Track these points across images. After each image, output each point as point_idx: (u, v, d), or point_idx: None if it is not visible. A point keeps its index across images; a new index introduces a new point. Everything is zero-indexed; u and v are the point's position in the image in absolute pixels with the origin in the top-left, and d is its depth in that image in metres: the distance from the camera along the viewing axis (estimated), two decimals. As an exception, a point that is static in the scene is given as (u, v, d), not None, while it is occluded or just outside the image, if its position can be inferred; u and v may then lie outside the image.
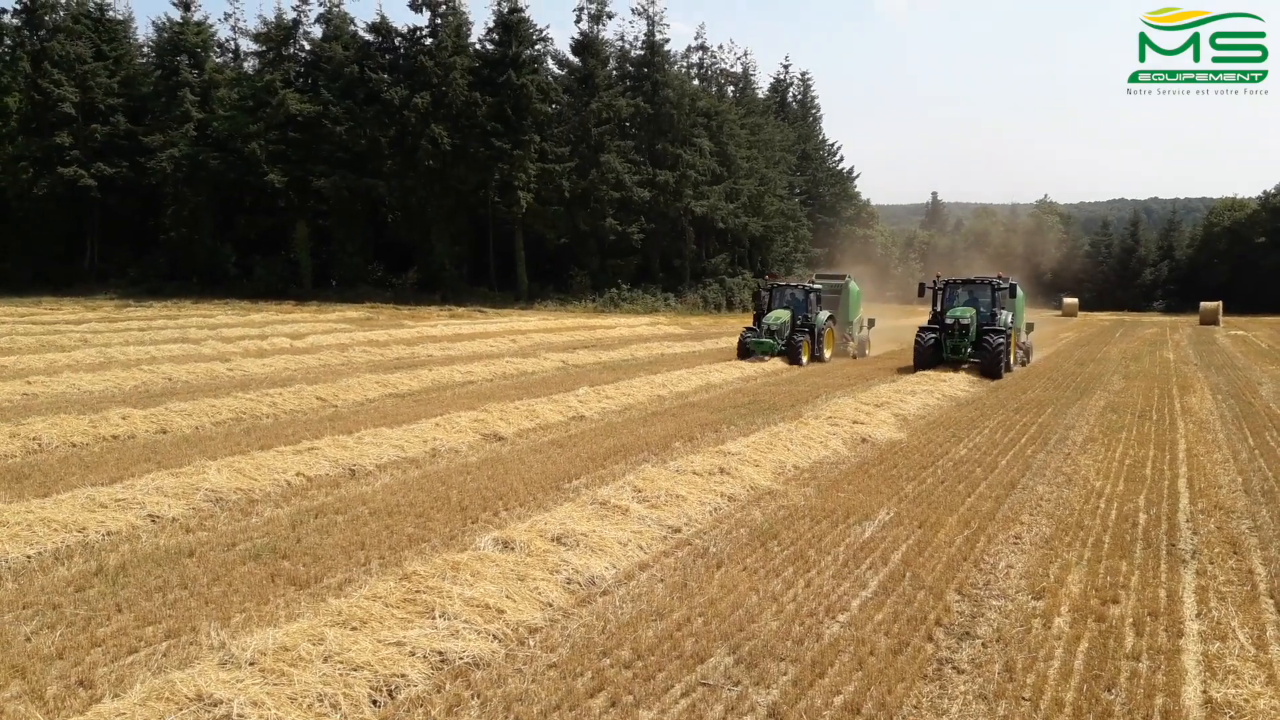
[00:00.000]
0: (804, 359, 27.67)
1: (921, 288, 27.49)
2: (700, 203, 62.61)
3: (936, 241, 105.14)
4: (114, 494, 10.90)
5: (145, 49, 64.39)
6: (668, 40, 65.92)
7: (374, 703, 6.32)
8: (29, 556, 9.12)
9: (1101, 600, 8.65)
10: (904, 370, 25.98)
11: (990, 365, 24.79)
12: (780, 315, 28.27)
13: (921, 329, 26.66)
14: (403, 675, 6.61)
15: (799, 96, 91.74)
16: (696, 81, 72.06)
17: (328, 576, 8.91)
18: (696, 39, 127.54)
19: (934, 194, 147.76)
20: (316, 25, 61.37)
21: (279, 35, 60.30)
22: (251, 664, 6.40)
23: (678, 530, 10.49)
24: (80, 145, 55.55)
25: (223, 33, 75.89)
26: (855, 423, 16.78)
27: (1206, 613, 8.43)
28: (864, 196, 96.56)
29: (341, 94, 57.33)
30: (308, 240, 59.70)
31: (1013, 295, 26.61)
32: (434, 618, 7.42)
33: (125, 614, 7.88)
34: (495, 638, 7.37)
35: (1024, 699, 6.73)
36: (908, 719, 6.45)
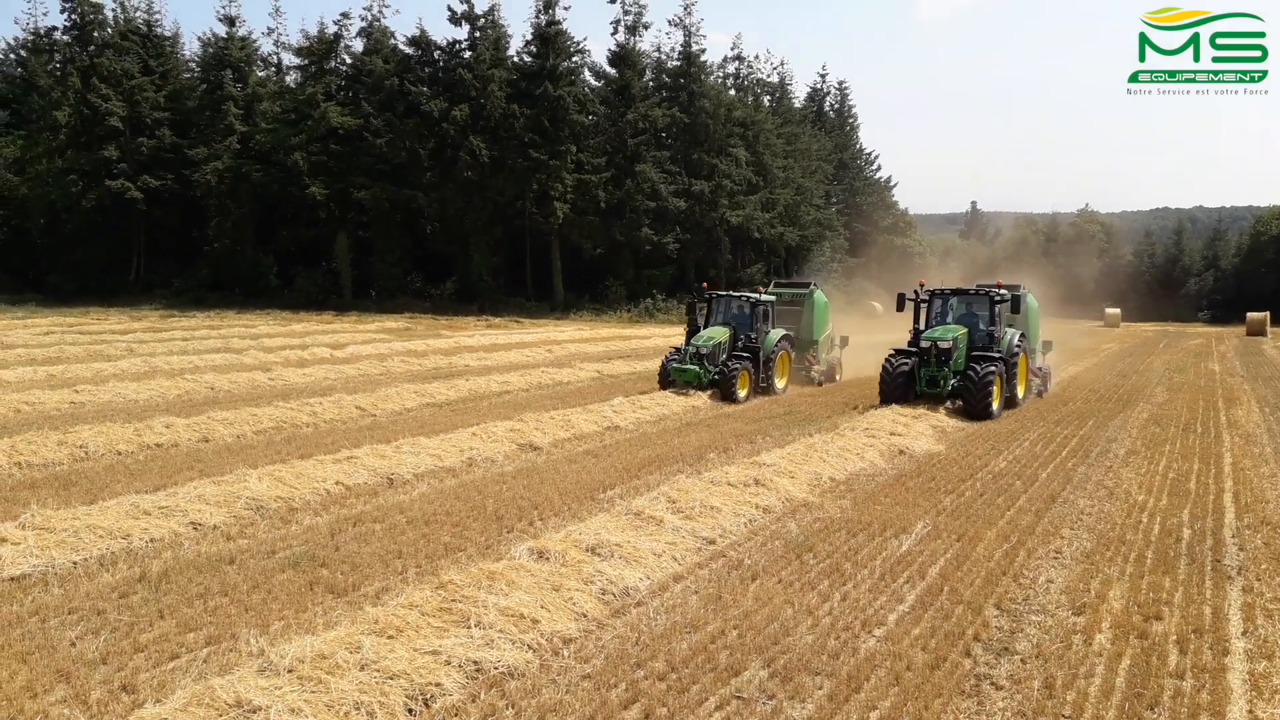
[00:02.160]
0: (741, 393, 21.44)
1: (901, 300, 21.64)
2: (736, 212, 62.55)
3: (975, 251, 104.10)
4: (157, 501, 11.10)
5: (191, 64, 65.73)
6: (704, 50, 66.01)
7: (410, 711, 6.37)
8: (75, 562, 9.31)
9: (1144, 617, 8.50)
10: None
11: (975, 402, 19.33)
12: (713, 335, 22.12)
13: (893, 353, 20.85)
14: (438, 684, 6.66)
15: (836, 105, 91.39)
16: (733, 91, 72.09)
17: (365, 585, 9.00)
18: (733, 49, 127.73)
19: (973, 203, 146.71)
20: (357, 39, 62.32)
21: (320, 49, 61.23)
22: (290, 671, 6.48)
23: (712, 542, 10.46)
24: (127, 158, 56.71)
25: (266, 47, 77.18)
26: (893, 434, 16.65)
27: (1253, 630, 8.25)
28: (902, 205, 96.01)
29: (382, 106, 58.07)
30: (348, 251, 60.43)
31: (1015, 309, 20.82)
32: (469, 627, 7.47)
33: (167, 620, 8.01)
34: (530, 648, 7.40)
35: (1064, 716, 6.63)
36: (945, 735, 6.37)
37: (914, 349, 20.60)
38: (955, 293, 22.07)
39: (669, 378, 22.08)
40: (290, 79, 65.32)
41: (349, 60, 62.55)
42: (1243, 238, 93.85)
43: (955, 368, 20.06)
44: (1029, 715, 6.64)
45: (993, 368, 19.64)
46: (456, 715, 6.40)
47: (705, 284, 26.82)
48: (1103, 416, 20.51)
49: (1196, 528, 11.59)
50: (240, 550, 9.95)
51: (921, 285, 21.68)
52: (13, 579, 8.80)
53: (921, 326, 21.35)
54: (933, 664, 7.39)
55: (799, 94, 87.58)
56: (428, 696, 6.54)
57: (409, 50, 61.78)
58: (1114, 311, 68.50)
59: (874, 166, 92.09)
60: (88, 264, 57.00)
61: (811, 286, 27.10)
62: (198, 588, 8.77)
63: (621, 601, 8.60)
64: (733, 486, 12.31)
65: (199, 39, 64.43)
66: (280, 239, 60.29)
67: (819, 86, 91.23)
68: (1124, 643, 7.93)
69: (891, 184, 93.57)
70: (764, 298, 23.48)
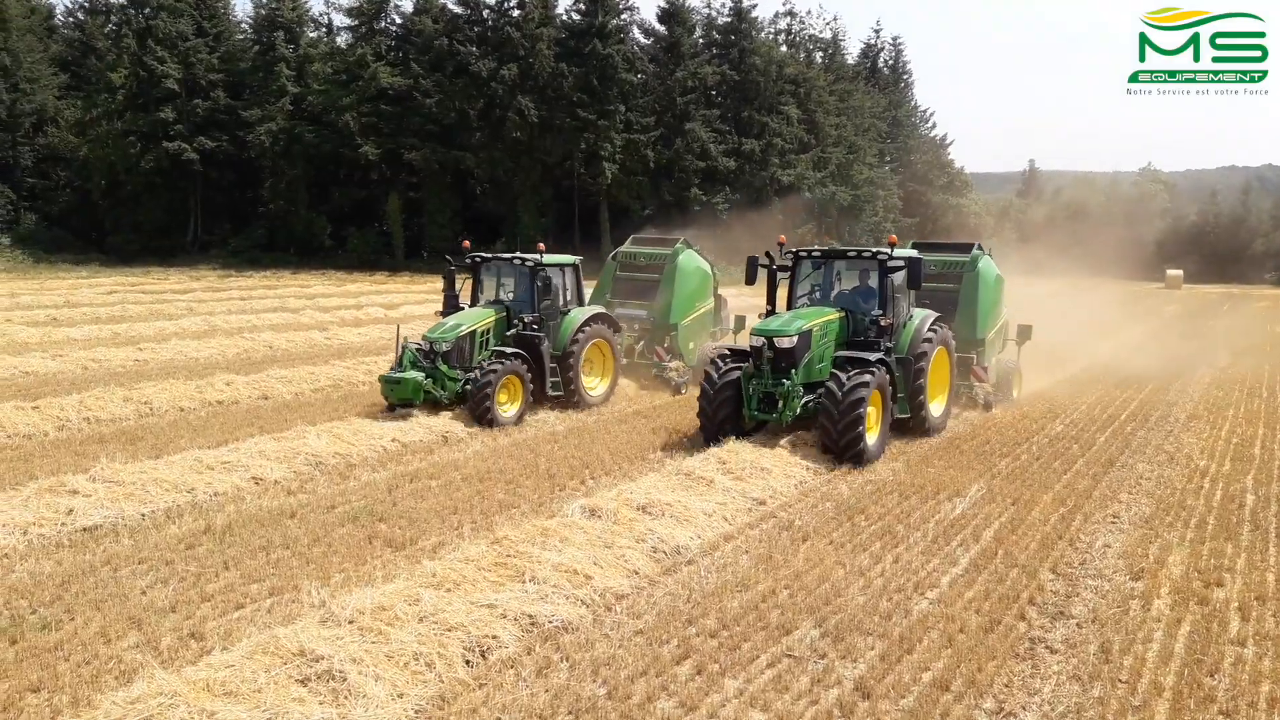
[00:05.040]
0: (507, 412, 14.41)
1: (752, 267, 14.17)
2: (787, 171, 61.79)
3: (1033, 210, 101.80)
4: (220, 456, 11.40)
5: (243, 25, 66.20)
6: (755, 6, 64.82)
7: (467, 663, 6.51)
8: (143, 514, 9.63)
9: (1205, 583, 8.36)
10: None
11: (834, 434, 12.19)
12: (460, 323, 15.00)
13: (717, 358, 13.71)
14: (494, 636, 6.79)
15: (890, 62, 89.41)
16: (784, 48, 70.82)
17: (422, 539, 9.17)
18: (785, 5, 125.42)
19: (1031, 161, 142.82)
20: (407, -1, 62.17)
21: (370, 9, 61.23)
22: (350, 622, 6.65)
23: (762, 502, 10.48)
24: (183, 120, 57.43)
25: (316, 8, 77.41)
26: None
27: (1319, 599, 8.08)
28: (958, 164, 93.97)
29: (431, 67, 58.06)
30: (400, 212, 60.84)
31: (914, 283, 13.32)
32: (524, 581, 7.59)
33: (232, 571, 8.25)
34: (583, 603, 7.50)
35: (1121, 681, 6.57)
36: (998, 697, 6.36)
37: (749, 350, 13.19)
38: (829, 255, 14.52)
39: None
40: (341, 40, 65.47)
41: (399, 20, 62.52)
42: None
43: (805, 378, 12.78)
44: (1084, 679, 6.59)
45: (865, 380, 12.23)
46: (512, 667, 6.53)
47: (465, 242, 17.77)
48: (1163, 380, 19.98)
49: (1260, 494, 11.34)
50: (300, 505, 10.19)
51: (781, 244, 14.60)
52: (85, 529, 9.13)
53: (778, 307, 14.21)
54: (986, 627, 7.36)
55: (852, 50, 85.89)
56: (484, 648, 6.68)
57: (458, 9, 61.53)
58: (1175, 273, 66.68)
59: (929, 124, 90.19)
60: (148, 225, 58.05)
61: (679, 246, 19.23)
62: (260, 540, 9.02)
63: (672, 560, 8.68)
64: (784, 448, 12.27)
65: (251, 0, 64.58)
66: (333, 200, 60.86)
67: (873, 42, 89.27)
68: (1184, 609, 7.82)
69: (947, 142, 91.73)
70: (550, 261, 15.87)
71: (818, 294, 14.39)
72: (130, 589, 7.80)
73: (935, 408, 14.36)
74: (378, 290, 43.36)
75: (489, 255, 16.46)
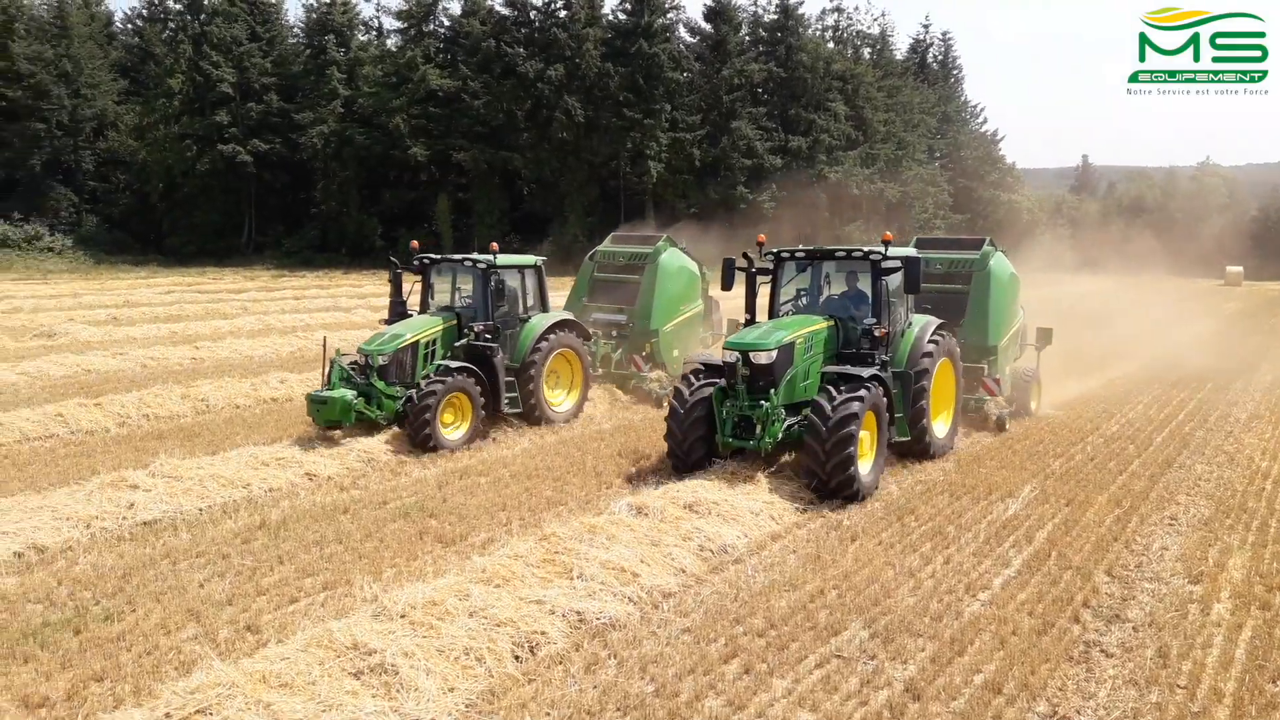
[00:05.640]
0: (453, 434, 12.74)
1: (729, 270, 12.34)
2: (834, 168, 61.31)
3: (1086, 207, 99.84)
4: (274, 453, 11.63)
5: (295, 29, 67.37)
6: (802, 3, 64.49)
7: (516, 658, 6.57)
8: (200, 509, 9.85)
9: (1267, 587, 8.15)
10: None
11: (819, 466, 10.47)
12: (399, 333, 13.31)
13: (690, 373, 12.00)
14: (543, 633, 6.85)
15: (939, 57, 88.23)
16: (831, 44, 70.29)
17: (472, 535, 9.27)
18: (832, 1, 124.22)
19: (1084, 157, 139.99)
20: (455, 1, 62.89)
21: (419, 12, 61.98)
22: (402, 616, 6.74)
23: (812, 501, 10.42)
24: (237, 123, 58.62)
25: (366, 11, 78.43)
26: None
27: (1388, 605, 7.84)
28: (1009, 160, 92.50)
29: (479, 68, 58.61)
30: (449, 213, 61.49)
31: (912, 287, 11.62)
32: (572, 579, 7.64)
33: (287, 565, 8.41)
34: (631, 600, 7.53)
35: (1179, 686, 6.43)
36: (1052, 700, 6.27)
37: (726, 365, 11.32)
38: (815, 255, 12.50)
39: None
40: (391, 42, 66.38)
41: (447, 22, 63.22)
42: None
43: (788, 398, 10.96)
44: (1141, 684, 6.46)
45: (857, 400, 10.52)
46: (561, 663, 6.58)
47: (415, 243, 15.58)
48: (1223, 379, 19.49)
49: (1326, 497, 11.02)
50: (353, 500, 10.36)
51: (760, 244, 12.58)
52: (145, 523, 9.37)
53: (757, 316, 12.34)
54: (1040, 629, 7.25)
55: (901, 46, 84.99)
56: (533, 644, 6.73)
57: (505, 11, 62.00)
58: (1236, 270, 64.90)
59: (979, 119, 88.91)
60: (204, 226, 59.35)
61: (661, 243, 17.20)
62: (314, 535, 9.18)
63: (719, 558, 8.67)
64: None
65: (302, 5, 65.75)
66: (383, 201, 61.71)
67: (922, 38, 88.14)
68: (1244, 613, 7.63)
69: (998, 137, 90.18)
70: (505, 262, 14.20)
71: (804, 300, 12.67)
72: (188, 582, 7.99)
73: (939, 428, 12.72)
74: (426, 290, 43.72)
75: (438, 256, 14.63)
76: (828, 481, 10.39)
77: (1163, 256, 56.92)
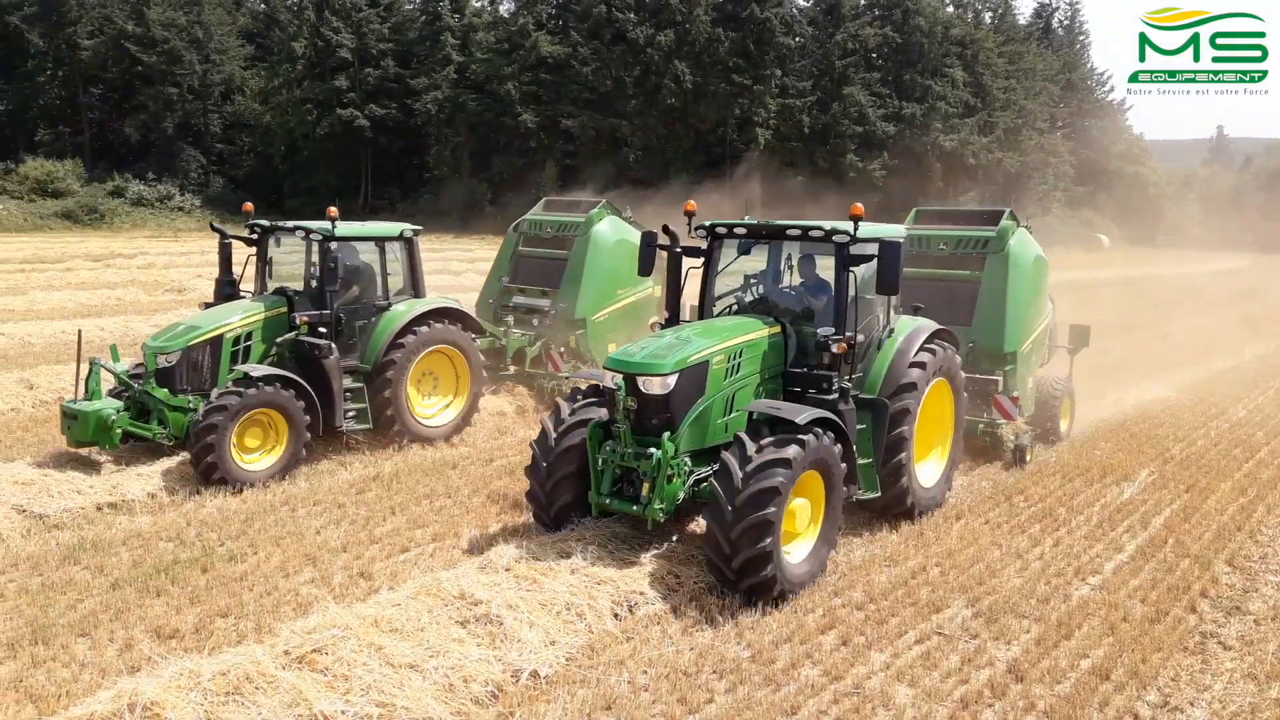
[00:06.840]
0: (257, 463, 9.64)
1: (648, 249, 8.85)
2: (950, 137, 59.38)
3: (1219, 181, 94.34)
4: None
5: (412, -4, 68.74)
6: (921, -36, 62.17)
7: (615, 616, 6.70)
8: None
9: (1406, 587, 7.69)
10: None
11: (720, 550, 6.91)
12: (198, 325, 10.39)
13: (564, 399, 8.56)
14: (641, 593, 6.96)
15: (1065, 21, 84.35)
16: (950, 8, 67.85)
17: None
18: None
19: (1219, 128, 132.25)
20: (567, -34, 62.93)
21: (532, -23, 62.49)
22: (507, 570, 6.95)
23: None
24: (355, 88, 60.31)
25: (481, -23, 79.36)
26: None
27: None
28: (1136, 130, 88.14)
29: (589, 34, 58.74)
30: (555, 180, 62.09)
31: (890, 286, 7.87)
32: (671, 541, 7.72)
33: (398, 516, 8.75)
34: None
35: (1303, 684, 6.14)
36: (1163, 690, 6.07)
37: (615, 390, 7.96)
38: (761, 233, 8.83)
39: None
40: (503, 9, 67.14)
41: (559, -12, 63.55)
42: None
43: (697, 442, 7.81)
44: (1261, 679, 6.20)
45: (777, 469, 6.93)
46: (658, 624, 6.68)
47: (248, 205, 12.27)
48: None
49: None
50: (462, 456, 10.68)
51: (689, 214, 8.95)
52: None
53: (677, 314, 8.91)
54: (1153, 617, 7.01)
55: (1024, 9, 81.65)
56: (631, 604, 6.86)
57: (617, -24, 61.91)
58: (1386, 250, 60.50)
59: (1106, 88, 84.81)
60: (322, 188, 61.34)
61: (597, 211, 13.83)
62: (424, 488, 9.51)
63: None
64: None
65: (420, -29, 66.87)
66: (493, 167, 62.71)
67: (1047, 1, 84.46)
68: (1380, 613, 7.22)
69: (1126, 107, 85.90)
70: (350, 233, 10.94)
71: (752, 294, 9.21)
72: (306, 528, 8.38)
73: (926, 474, 9.21)
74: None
75: (270, 224, 11.31)
76: (733, 572, 6.89)
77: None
